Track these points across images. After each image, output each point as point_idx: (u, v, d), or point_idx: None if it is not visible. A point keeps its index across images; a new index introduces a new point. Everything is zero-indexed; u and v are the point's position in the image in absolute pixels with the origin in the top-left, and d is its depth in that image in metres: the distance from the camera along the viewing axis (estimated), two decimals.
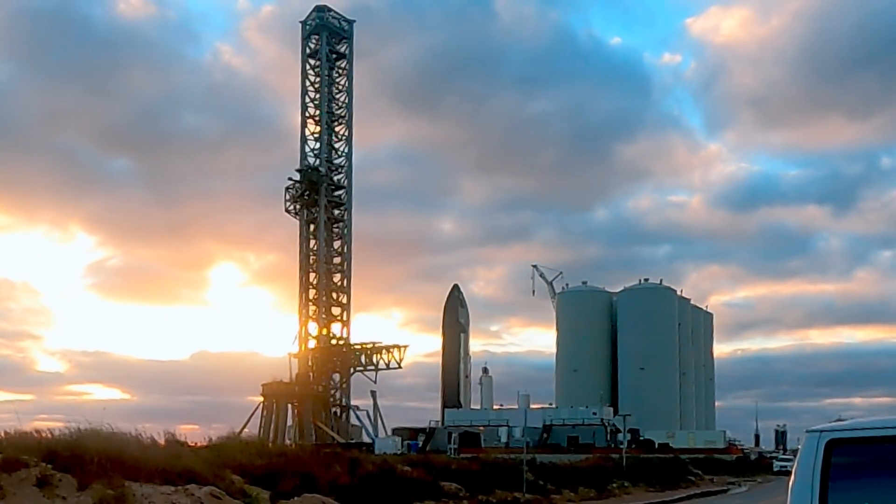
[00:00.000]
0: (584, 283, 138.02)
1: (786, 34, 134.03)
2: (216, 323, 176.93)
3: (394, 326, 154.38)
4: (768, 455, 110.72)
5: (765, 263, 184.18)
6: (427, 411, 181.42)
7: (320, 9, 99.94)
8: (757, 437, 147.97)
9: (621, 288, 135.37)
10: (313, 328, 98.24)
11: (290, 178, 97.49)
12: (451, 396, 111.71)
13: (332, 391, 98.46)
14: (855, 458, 6.32)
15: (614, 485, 50.07)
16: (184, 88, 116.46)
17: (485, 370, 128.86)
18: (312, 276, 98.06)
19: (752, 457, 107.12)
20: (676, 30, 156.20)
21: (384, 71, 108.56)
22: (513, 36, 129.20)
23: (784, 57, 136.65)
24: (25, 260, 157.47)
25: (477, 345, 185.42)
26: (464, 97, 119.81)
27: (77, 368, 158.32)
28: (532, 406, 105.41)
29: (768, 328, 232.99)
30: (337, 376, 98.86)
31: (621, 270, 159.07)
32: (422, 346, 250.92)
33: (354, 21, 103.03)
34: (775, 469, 79.76)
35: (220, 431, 35.21)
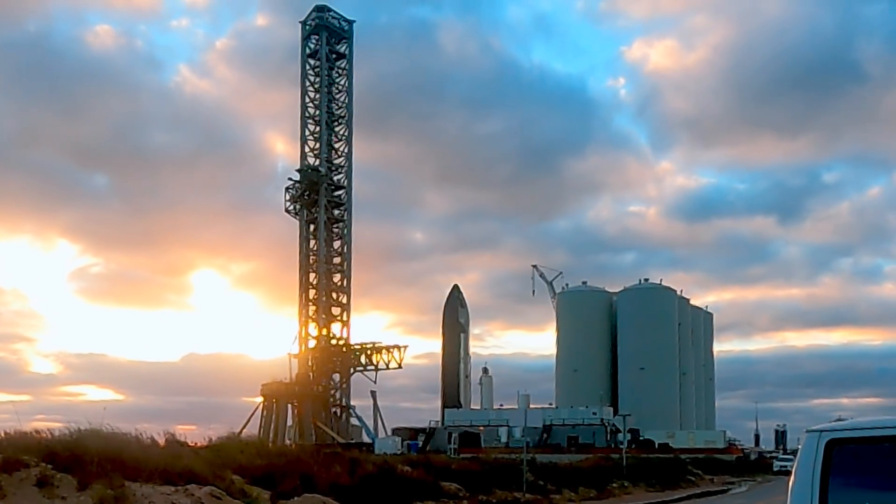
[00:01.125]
0: (584, 283, 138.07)
1: (708, 64, 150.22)
2: (201, 326, 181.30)
3: (377, 329, 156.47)
4: (768, 455, 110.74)
5: (728, 271, 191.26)
6: (415, 412, 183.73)
7: (320, 9, 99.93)
8: (757, 437, 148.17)
9: (621, 288, 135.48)
10: (313, 328, 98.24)
11: (290, 178, 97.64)
12: (451, 396, 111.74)
13: (332, 391, 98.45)
14: (855, 458, 6.32)
15: (614, 485, 50.07)
16: (152, 111, 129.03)
17: (485, 370, 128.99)
18: (312, 276, 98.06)
19: (752, 457, 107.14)
20: (613, 58, 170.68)
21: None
22: (457, 64, 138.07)
23: (709, 84, 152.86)
24: (11, 267, 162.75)
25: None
26: (413, 117, 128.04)
27: (70, 370, 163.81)
28: (531, 406, 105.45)
29: (743, 331, 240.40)
30: (337, 376, 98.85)
31: (591, 278, 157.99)
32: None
33: (354, 21, 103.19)
34: (775, 469, 79.76)
35: (216, 432, 35.32)
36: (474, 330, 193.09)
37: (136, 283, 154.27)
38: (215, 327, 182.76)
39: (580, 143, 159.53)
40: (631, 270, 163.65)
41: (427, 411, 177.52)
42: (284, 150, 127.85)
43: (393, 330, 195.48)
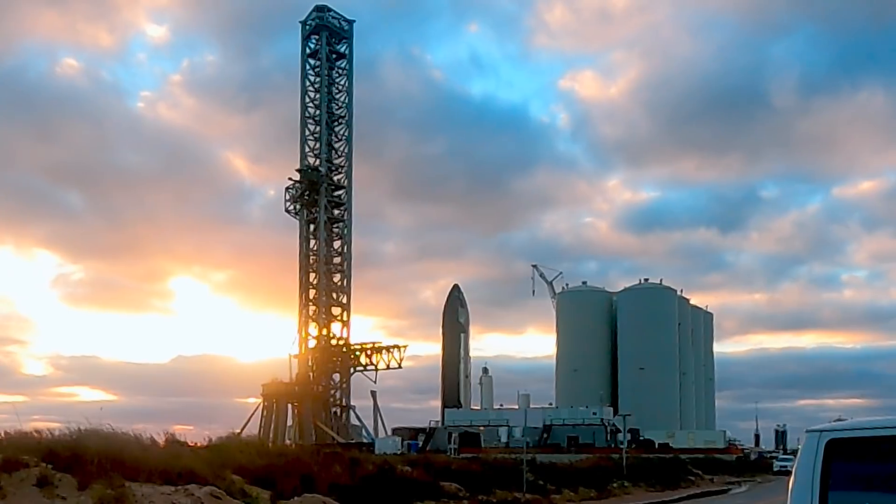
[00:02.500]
0: (584, 283, 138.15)
1: (629, 94, 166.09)
2: (185, 329, 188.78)
3: (360, 332, 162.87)
4: (768, 455, 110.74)
5: (688, 277, 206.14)
6: (406, 412, 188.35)
7: (320, 9, 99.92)
8: (757, 437, 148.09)
9: (621, 288, 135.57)
10: (313, 328, 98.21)
11: (290, 178, 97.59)
12: (451, 396, 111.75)
13: (332, 391, 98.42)
14: (855, 457, 6.32)
15: (614, 485, 50.07)
16: (119, 134, 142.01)
17: (485, 370, 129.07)
18: (312, 276, 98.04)
19: (752, 457, 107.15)
20: (547, 89, 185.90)
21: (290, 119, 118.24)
22: (400, 93, 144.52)
23: (632, 111, 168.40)
24: None
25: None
26: (359, 139, 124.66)
27: (62, 371, 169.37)
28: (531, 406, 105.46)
29: (715, 333, 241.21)
30: (337, 376, 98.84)
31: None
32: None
33: (354, 21, 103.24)
34: (775, 469, 79.73)
35: (213, 432, 35.41)
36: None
37: (117, 290, 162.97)
38: (199, 330, 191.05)
39: (527, 163, 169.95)
40: (595, 278, 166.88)
41: (418, 412, 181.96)
42: (246, 168, 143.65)
43: (375, 333, 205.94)
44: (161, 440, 26.35)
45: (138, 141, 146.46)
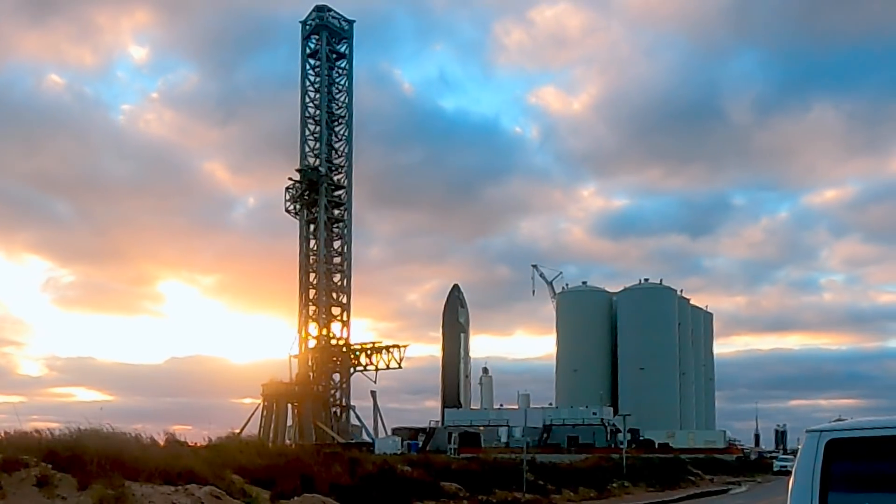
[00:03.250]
0: (584, 283, 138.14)
1: (592, 108, 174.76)
2: (177, 331, 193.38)
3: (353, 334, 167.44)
4: (768, 455, 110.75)
5: (667, 281, 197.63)
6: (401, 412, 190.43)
7: (320, 9, 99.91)
8: (757, 437, 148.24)
9: (621, 288, 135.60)
10: (313, 328, 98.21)
11: (290, 178, 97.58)
12: (451, 396, 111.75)
13: (332, 391, 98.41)
14: (855, 457, 6.32)
15: (614, 485, 50.06)
16: (102, 145, 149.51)
17: (485, 370, 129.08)
18: (312, 276, 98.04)
19: (752, 457, 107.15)
20: (515, 104, 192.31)
21: (265, 131, 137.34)
22: (372, 105, 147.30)
23: (595, 124, 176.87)
24: None
25: (433, 350, 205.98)
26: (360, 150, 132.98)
27: (58, 372, 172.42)
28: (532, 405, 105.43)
29: None
30: (337, 376, 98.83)
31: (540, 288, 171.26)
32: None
33: (354, 21, 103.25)
34: (775, 469, 79.74)
35: (211, 432, 35.40)
36: (435, 333, 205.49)
37: (107, 293, 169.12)
38: (189, 332, 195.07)
39: (501, 172, 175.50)
40: (575, 281, 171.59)
41: (414, 412, 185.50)
42: (226, 177, 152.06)
43: (366, 335, 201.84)
44: (161, 440, 26.36)
45: (121, 152, 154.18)
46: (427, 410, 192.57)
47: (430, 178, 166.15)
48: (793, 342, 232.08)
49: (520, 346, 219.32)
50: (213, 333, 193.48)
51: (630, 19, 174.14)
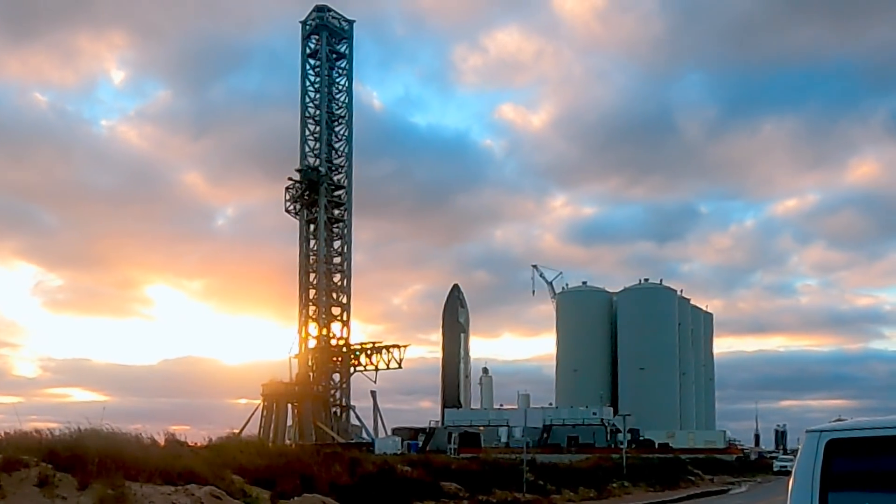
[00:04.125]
0: (584, 283, 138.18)
1: (552, 124, 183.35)
2: (168, 333, 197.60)
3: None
4: (768, 455, 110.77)
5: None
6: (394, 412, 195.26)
7: (320, 9, 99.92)
8: (757, 437, 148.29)
9: (621, 288, 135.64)
10: (313, 328, 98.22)
11: (289, 178, 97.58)
12: (451, 396, 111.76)
13: (332, 391, 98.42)
14: (855, 457, 6.32)
15: (614, 485, 50.07)
16: (85, 159, 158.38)
17: (485, 370, 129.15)
18: (312, 276, 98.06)
19: (752, 457, 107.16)
20: (482, 119, 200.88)
21: (241, 146, 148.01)
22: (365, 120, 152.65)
23: (557, 139, 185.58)
24: None
25: (422, 351, 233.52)
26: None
27: (54, 373, 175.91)
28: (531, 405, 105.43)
29: None
30: (337, 376, 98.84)
31: (523, 291, 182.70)
32: None
33: (354, 21, 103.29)
34: (775, 469, 79.78)
35: (209, 432, 35.58)
36: (431, 336, 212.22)
37: (97, 296, 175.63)
38: (180, 334, 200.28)
39: (473, 183, 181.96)
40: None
41: (408, 412, 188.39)
42: (206, 188, 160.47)
43: (356, 336, 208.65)
44: (161, 440, 26.36)
45: (103, 165, 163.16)
46: (420, 411, 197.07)
47: (404, 188, 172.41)
48: (775, 344, 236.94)
49: (507, 347, 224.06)
50: (202, 335, 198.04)
51: (578, 46, 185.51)
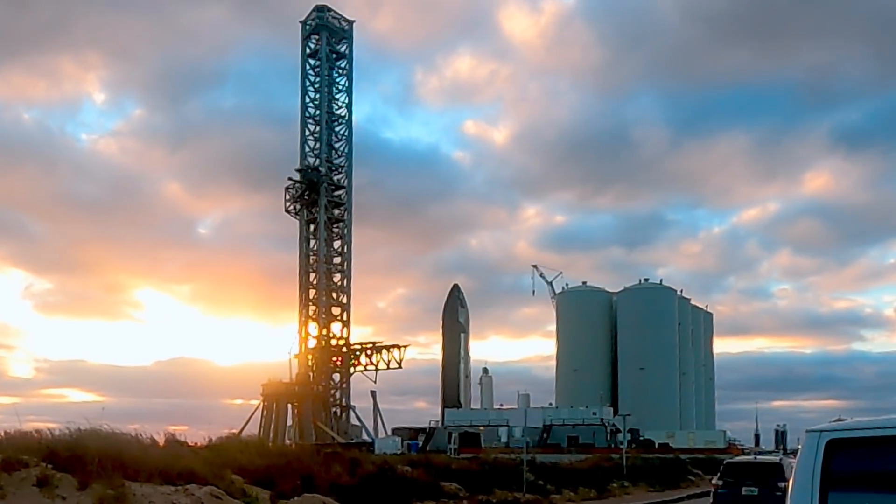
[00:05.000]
0: (584, 283, 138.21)
1: (514, 139, 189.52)
2: (159, 335, 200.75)
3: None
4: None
5: (611, 288, 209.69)
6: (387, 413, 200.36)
7: (320, 9, 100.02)
8: (757, 437, 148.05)
9: (621, 288, 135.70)
10: (313, 328, 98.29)
11: (289, 178, 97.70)
12: (451, 396, 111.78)
13: (332, 391, 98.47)
14: (855, 457, 6.32)
15: (614, 485, 50.02)
16: (68, 171, 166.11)
17: (485, 370, 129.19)
18: (312, 276, 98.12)
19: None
20: (450, 134, 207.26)
21: (218, 159, 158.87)
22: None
23: (520, 152, 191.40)
24: None
25: (412, 353, 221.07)
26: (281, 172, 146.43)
27: (50, 374, 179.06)
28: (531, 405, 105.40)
29: None
30: (337, 376, 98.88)
31: (503, 294, 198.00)
32: None
33: (354, 21, 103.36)
34: None
35: (208, 432, 35.65)
36: (419, 338, 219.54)
37: (87, 300, 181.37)
38: (170, 336, 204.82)
39: (446, 194, 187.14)
40: (524, 291, 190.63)
41: (402, 413, 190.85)
42: (187, 198, 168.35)
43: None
44: (160, 440, 26.35)
45: (86, 177, 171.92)
46: (414, 411, 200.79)
47: (379, 198, 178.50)
48: (757, 345, 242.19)
49: (494, 349, 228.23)
50: (192, 337, 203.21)
51: (532, 69, 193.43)
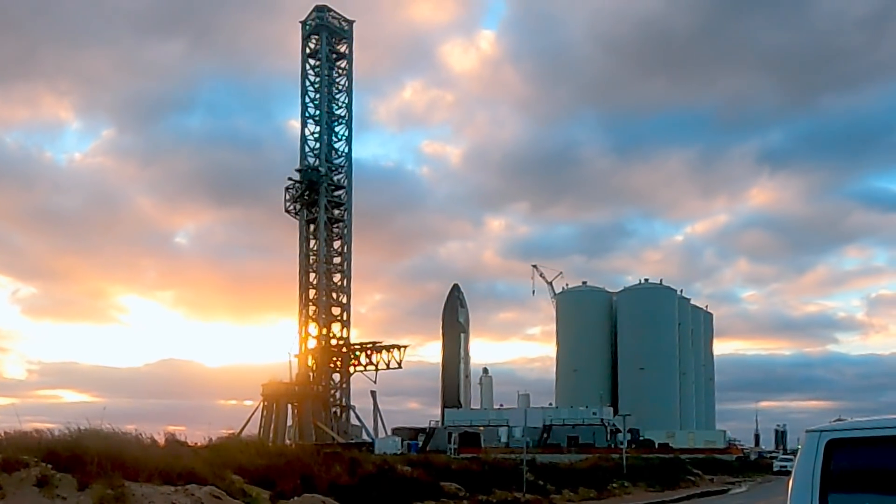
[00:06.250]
0: (584, 283, 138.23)
1: (466, 158, 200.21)
2: (147, 338, 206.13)
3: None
4: (768, 455, 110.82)
5: None
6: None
7: (320, 9, 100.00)
8: (757, 437, 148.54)
9: (621, 288, 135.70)
10: (313, 328, 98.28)
11: (289, 178, 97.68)
12: (451, 396, 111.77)
13: (332, 391, 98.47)
14: (855, 457, 6.32)
15: (614, 485, 50.07)
16: (47, 187, 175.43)
17: (485, 370, 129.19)
18: (312, 276, 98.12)
19: (752, 457, 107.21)
20: (411, 153, 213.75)
21: (188, 176, 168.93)
22: (282, 155, 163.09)
23: (472, 170, 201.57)
24: None
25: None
26: (249, 188, 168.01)
27: (44, 376, 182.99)
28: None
29: None
30: (337, 376, 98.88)
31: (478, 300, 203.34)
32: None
33: (354, 21, 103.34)
34: (775, 469, 79.80)
35: (205, 432, 35.66)
36: (402, 340, 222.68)
37: (73, 305, 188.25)
38: (159, 339, 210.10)
39: (412, 207, 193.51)
40: (499, 296, 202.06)
41: (397, 413, 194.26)
42: (161, 211, 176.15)
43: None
44: (160, 440, 26.36)
45: (64, 193, 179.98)
46: (408, 412, 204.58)
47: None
48: (733, 348, 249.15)
49: (479, 351, 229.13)
50: (178, 340, 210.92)
51: (473, 97, 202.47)
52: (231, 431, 48.40)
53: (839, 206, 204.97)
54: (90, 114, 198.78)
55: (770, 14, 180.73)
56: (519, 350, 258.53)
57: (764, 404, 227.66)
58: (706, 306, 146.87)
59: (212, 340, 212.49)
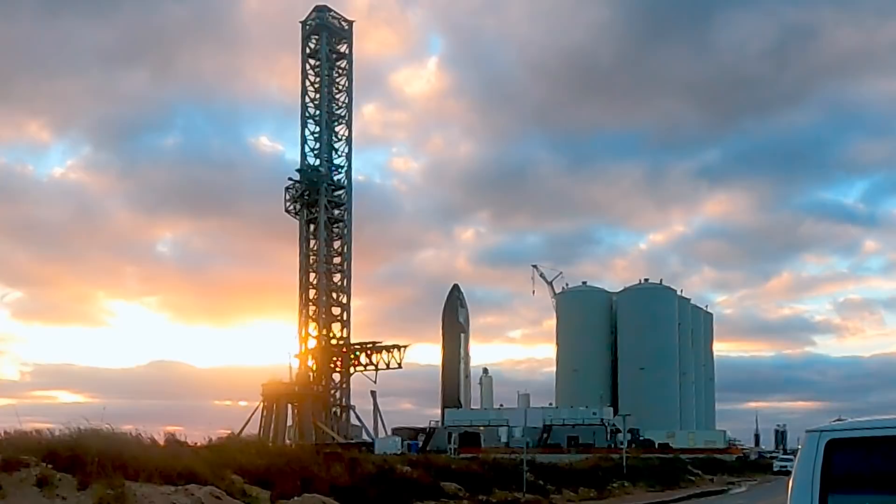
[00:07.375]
0: (584, 283, 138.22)
1: (427, 174, 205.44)
2: (136, 341, 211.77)
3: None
4: (768, 455, 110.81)
5: None
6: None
7: (320, 9, 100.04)
8: (757, 437, 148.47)
9: (621, 288, 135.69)
10: (313, 328, 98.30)
11: (290, 178, 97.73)
12: (451, 396, 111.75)
13: (332, 391, 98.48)
14: (855, 457, 6.32)
15: (614, 485, 50.09)
16: (30, 199, 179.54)
17: (485, 370, 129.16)
18: (312, 276, 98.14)
19: (752, 457, 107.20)
20: (380, 168, 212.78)
21: (164, 186, 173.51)
22: (253, 170, 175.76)
23: (435, 186, 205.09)
24: None
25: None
26: (223, 201, 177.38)
27: (38, 377, 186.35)
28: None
29: None
30: (337, 376, 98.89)
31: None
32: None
33: (354, 21, 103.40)
34: (775, 469, 79.76)
35: (203, 432, 35.63)
36: (384, 342, 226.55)
37: (62, 309, 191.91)
38: (147, 342, 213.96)
39: (388, 218, 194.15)
40: (481, 301, 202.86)
41: (393, 414, 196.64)
42: (132, 224, 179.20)
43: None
44: (160, 440, 26.36)
45: (45, 206, 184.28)
46: (403, 412, 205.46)
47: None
48: (716, 349, 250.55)
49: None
50: (168, 342, 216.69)
51: (427, 119, 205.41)
52: (230, 431, 48.38)
53: (790, 217, 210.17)
54: (67, 134, 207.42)
55: (680, 45, 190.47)
56: (503, 353, 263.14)
57: (753, 405, 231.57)
58: (706, 306, 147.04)
59: (197, 343, 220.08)
